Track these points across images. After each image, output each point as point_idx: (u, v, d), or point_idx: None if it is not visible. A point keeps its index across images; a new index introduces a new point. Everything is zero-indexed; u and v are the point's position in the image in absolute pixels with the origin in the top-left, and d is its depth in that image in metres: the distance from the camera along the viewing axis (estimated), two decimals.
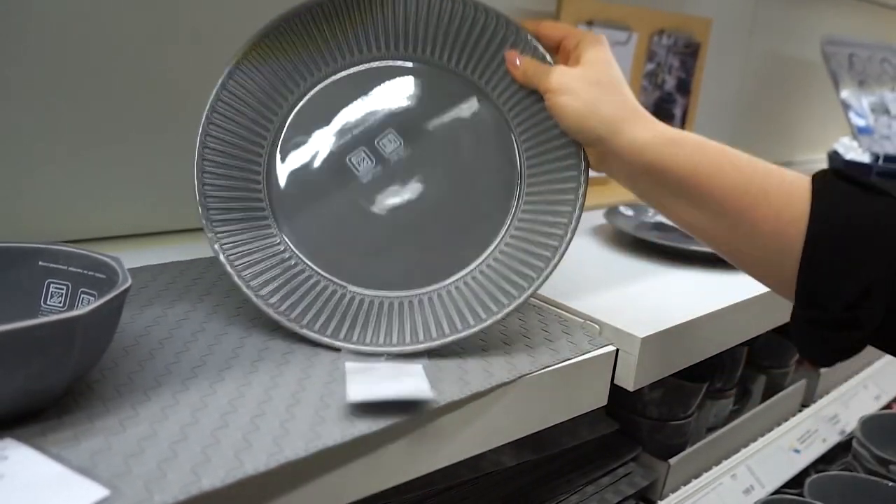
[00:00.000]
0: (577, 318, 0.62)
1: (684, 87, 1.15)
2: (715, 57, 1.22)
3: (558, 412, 0.56)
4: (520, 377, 0.50)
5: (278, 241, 0.54)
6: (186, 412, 0.42)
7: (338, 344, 0.51)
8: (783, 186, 0.46)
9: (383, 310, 0.53)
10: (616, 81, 0.51)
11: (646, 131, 0.49)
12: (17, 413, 0.39)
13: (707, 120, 1.30)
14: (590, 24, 0.96)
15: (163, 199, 0.72)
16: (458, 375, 0.49)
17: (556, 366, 0.53)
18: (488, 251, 0.54)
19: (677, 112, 1.16)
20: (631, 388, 0.59)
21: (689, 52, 1.13)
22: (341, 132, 0.55)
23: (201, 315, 0.56)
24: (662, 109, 1.13)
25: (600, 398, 0.59)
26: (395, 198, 0.55)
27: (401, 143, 0.55)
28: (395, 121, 0.55)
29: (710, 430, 0.86)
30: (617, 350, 0.59)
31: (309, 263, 0.54)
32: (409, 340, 0.51)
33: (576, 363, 0.54)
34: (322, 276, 0.54)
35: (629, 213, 0.94)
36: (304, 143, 0.55)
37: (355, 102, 0.55)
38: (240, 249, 0.53)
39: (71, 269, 0.47)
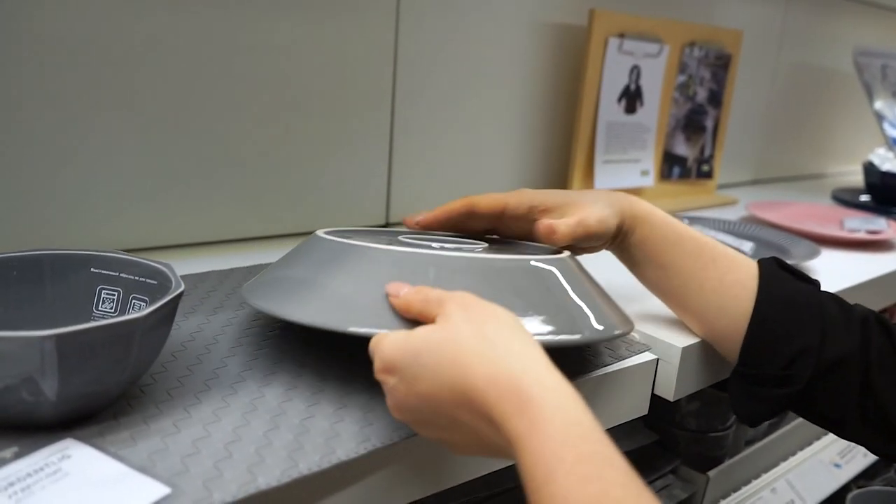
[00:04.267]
0: None
1: (716, 98, 1.15)
2: (745, 68, 1.22)
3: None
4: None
5: None
6: (237, 414, 0.42)
7: None
8: (727, 258, 0.57)
9: None
10: (557, 197, 0.58)
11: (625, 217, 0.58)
12: (76, 415, 0.39)
13: (738, 131, 1.29)
14: (621, 36, 0.97)
15: (201, 211, 0.74)
16: None
17: (595, 373, 0.53)
18: None
19: (708, 124, 1.15)
20: (671, 399, 0.59)
21: (721, 64, 1.13)
22: None
23: (243, 322, 0.56)
24: (693, 122, 1.13)
25: (640, 408, 0.58)
26: None
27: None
28: None
29: (749, 442, 0.85)
30: (658, 360, 0.58)
31: None
32: None
33: (615, 371, 0.54)
34: None
35: None
36: None
37: None
38: None
39: (122, 275, 0.49)
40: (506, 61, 0.94)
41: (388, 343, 0.39)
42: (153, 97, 0.68)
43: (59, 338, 0.34)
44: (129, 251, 0.68)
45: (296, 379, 0.48)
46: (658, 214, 0.59)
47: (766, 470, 0.84)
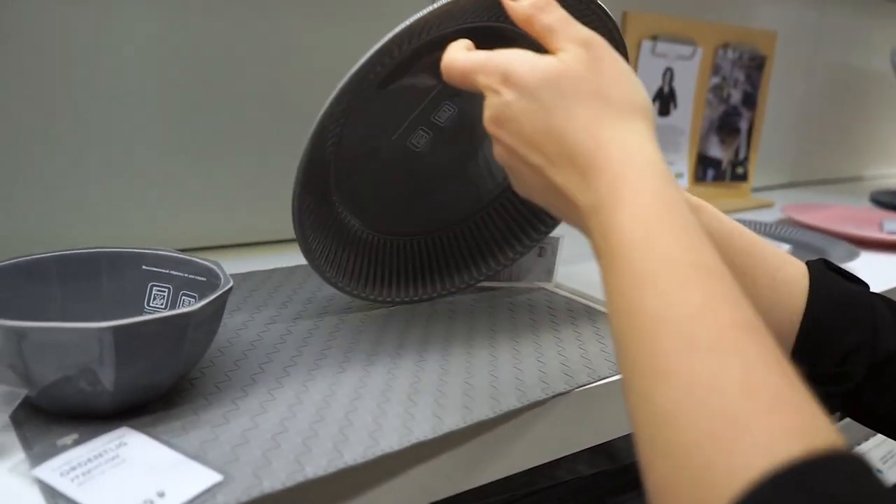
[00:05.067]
0: None
1: (750, 100, 1.14)
2: (780, 69, 1.21)
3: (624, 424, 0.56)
4: (578, 387, 0.50)
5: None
6: (283, 407, 0.44)
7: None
8: (777, 255, 0.56)
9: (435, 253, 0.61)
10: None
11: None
12: (131, 405, 0.41)
13: (773, 133, 1.28)
14: (654, 38, 0.97)
15: (245, 214, 0.76)
16: (528, 383, 0.49)
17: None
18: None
19: (743, 126, 1.15)
20: None
21: (755, 66, 1.12)
22: (396, 126, 0.58)
23: (287, 319, 0.58)
24: (728, 124, 1.12)
25: None
26: (445, 154, 0.60)
27: (455, 110, 0.59)
28: (449, 91, 0.56)
29: None
30: None
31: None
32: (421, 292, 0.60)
33: None
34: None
35: None
36: (360, 145, 0.57)
37: (405, 90, 0.56)
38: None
39: (172, 272, 0.50)
40: None
41: (518, 57, 0.38)
42: (201, 108, 0.70)
43: (116, 329, 0.35)
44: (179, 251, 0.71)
45: (339, 374, 0.49)
46: (709, 206, 0.59)
47: None
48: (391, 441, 0.40)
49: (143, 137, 0.69)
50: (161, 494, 0.33)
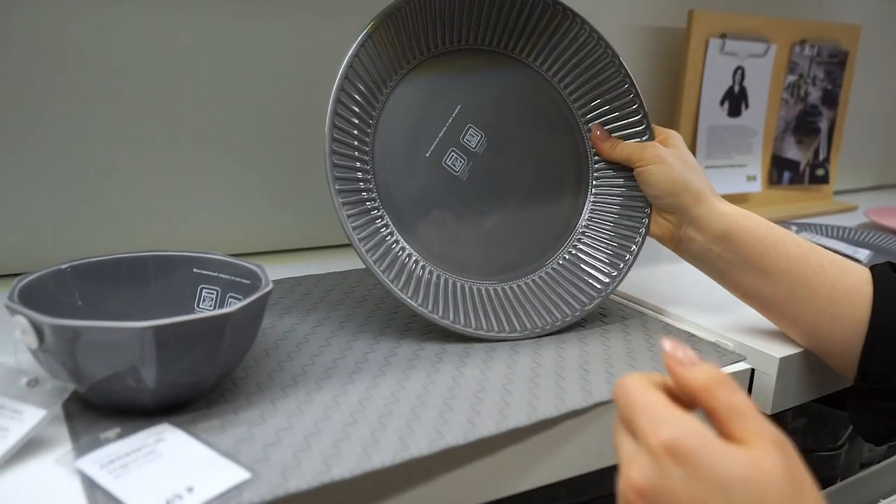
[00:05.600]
0: (708, 336, 0.59)
1: (831, 98, 1.08)
2: (864, 65, 1.14)
3: None
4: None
5: (401, 249, 0.56)
6: (320, 409, 0.44)
7: (456, 328, 0.54)
8: (836, 262, 0.53)
9: (476, 296, 0.57)
10: (697, 165, 0.59)
11: (724, 205, 0.57)
12: (173, 402, 0.42)
13: (856, 133, 1.20)
14: (723, 37, 0.93)
15: (296, 220, 0.78)
16: (582, 386, 0.48)
17: None
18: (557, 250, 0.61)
19: (822, 125, 1.08)
20: (769, 412, 0.56)
21: (836, 62, 1.06)
22: (428, 139, 0.58)
23: (334, 324, 0.59)
24: (806, 123, 1.06)
25: None
26: (491, 189, 0.60)
27: (483, 136, 0.59)
28: (472, 115, 0.59)
29: (866, 465, 0.79)
30: (753, 370, 0.56)
31: (429, 264, 0.57)
32: (496, 329, 0.56)
33: None
34: (444, 272, 0.57)
35: None
36: (398, 156, 0.57)
37: (433, 106, 0.58)
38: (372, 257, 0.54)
39: (221, 275, 0.52)
40: None
41: (690, 428, 0.29)
42: (244, 118, 0.72)
43: (156, 329, 0.37)
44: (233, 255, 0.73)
45: (378, 378, 0.49)
46: (754, 215, 0.56)
47: (885, 496, 0.77)
48: (421, 446, 0.40)
49: (198, 145, 0.71)
50: (190, 490, 0.34)
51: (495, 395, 0.47)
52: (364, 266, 0.53)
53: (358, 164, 0.54)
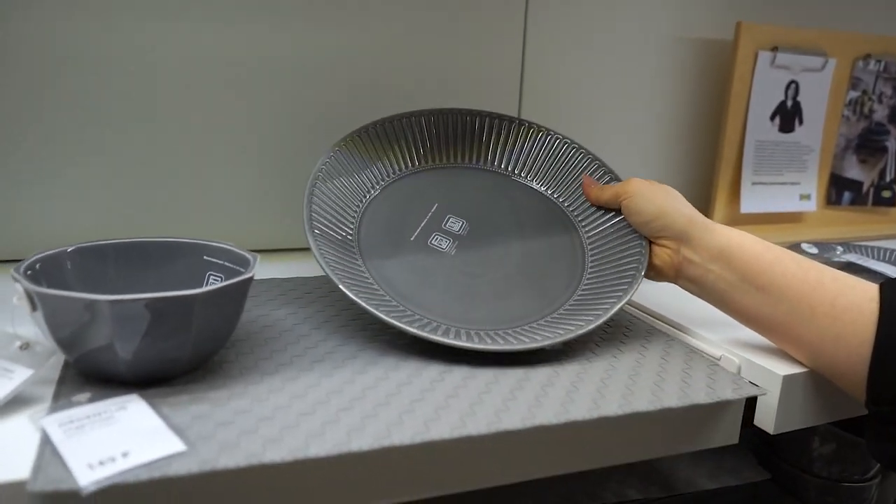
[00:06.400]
0: (713, 350, 0.57)
1: None
2: None
3: (674, 443, 0.52)
4: (633, 412, 0.48)
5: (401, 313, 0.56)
6: (286, 397, 0.46)
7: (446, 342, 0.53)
8: (838, 279, 0.51)
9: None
10: (681, 196, 0.59)
11: (718, 225, 0.56)
12: (151, 376, 0.45)
13: None
14: (774, 50, 0.89)
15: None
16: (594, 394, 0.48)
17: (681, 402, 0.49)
18: (563, 300, 0.60)
19: (890, 145, 1.01)
20: (771, 432, 0.54)
21: None
22: (411, 229, 0.62)
23: (343, 320, 0.60)
24: (870, 141, 1.00)
25: (729, 436, 0.54)
26: (481, 259, 0.62)
27: (464, 222, 0.64)
28: (451, 208, 0.65)
29: None
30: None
31: (411, 308, 0.56)
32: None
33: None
34: (453, 325, 0.56)
35: (813, 250, 0.84)
36: (385, 244, 0.61)
37: (409, 209, 0.64)
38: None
39: (225, 263, 0.55)
40: (643, 79, 0.90)
41: None
42: (264, 115, 0.76)
43: (113, 303, 0.40)
44: (263, 251, 0.77)
45: (357, 374, 0.50)
46: (749, 234, 0.55)
47: None
48: (364, 441, 0.41)
49: (216, 143, 0.75)
50: (125, 454, 0.36)
51: (464, 401, 0.47)
52: None
53: (347, 257, 0.58)
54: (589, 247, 0.64)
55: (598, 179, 0.67)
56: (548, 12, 0.82)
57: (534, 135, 0.70)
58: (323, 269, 0.54)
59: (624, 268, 0.60)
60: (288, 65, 0.74)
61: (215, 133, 0.74)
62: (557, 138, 0.69)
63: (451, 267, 0.61)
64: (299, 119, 0.76)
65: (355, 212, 0.62)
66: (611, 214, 0.64)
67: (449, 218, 0.64)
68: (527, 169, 0.69)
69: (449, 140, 0.68)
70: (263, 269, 0.72)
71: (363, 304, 0.52)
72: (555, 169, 0.69)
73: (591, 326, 0.55)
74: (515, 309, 0.58)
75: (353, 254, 0.59)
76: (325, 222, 0.59)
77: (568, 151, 0.69)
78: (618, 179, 0.67)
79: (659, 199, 0.59)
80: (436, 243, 0.62)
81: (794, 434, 0.70)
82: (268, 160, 0.77)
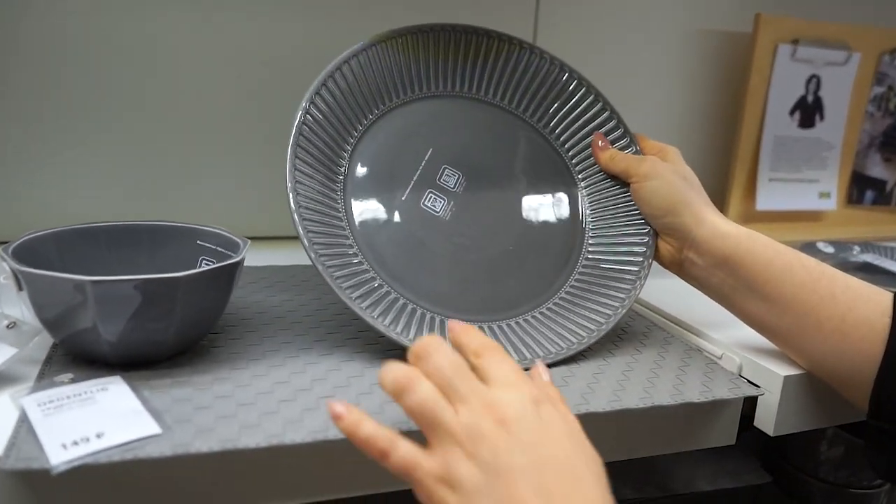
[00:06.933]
0: (714, 349, 0.56)
1: None
2: None
3: (668, 443, 0.51)
4: (623, 409, 0.47)
5: (387, 292, 0.52)
6: (269, 383, 0.46)
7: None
8: (851, 290, 0.48)
9: None
10: (697, 182, 0.56)
11: (727, 225, 0.53)
12: (135, 359, 0.45)
13: None
14: (795, 43, 0.86)
15: None
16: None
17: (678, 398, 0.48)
18: (560, 283, 0.57)
19: None
20: (771, 433, 0.53)
21: None
22: (403, 184, 0.55)
23: (338, 308, 0.60)
24: (895, 139, 0.96)
25: (727, 436, 0.53)
26: (477, 226, 0.56)
27: (460, 175, 0.57)
28: (446, 157, 0.57)
29: None
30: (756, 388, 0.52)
31: (420, 307, 0.53)
32: None
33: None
34: (439, 313, 0.53)
35: (829, 249, 0.81)
36: (371, 197, 0.54)
37: (403, 151, 0.56)
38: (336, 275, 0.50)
39: (218, 248, 0.55)
40: (659, 72, 0.88)
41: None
42: (275, 109, 0.75)
43: (94, 283, 0.40)
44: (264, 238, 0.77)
45: (344, 362, 0.50)
46: (761, 237, 0.52)
47: None
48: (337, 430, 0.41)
49: (215, 131, 0.75)
50: (99, 435, 0.36)
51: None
52: None
53: (332, 220, 0.52)
54: (590, 222, 0.59)
55: (612, 141, 0.60)
56: (559, 5, 0.81)
57: (551, 71, 0.60)
58: (310, 259, 0.49)
59: (626, 258, 0.57)
60: (287, 52, 0.74)
61: (218, 121, 0.74)
62: (574, 80, 0.61)
63: (444, 238, 0.55)
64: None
65: (343, 157, 0.54)
66: (618, 187, 0.59)
67: (444, 170, 0.57)
68: (535, 108, 0.61)
69: (449, 62, 0.59)
70: (263, 257, 0.72)
71: (350, 303, 0.49)
72: (566, 113, 0.61)
73: (587, 343, 0.53)
74: (509, 294, 0.55)
75: (342, 226, 0.52)
76: (310, 176, 0.52)
77: (584, 97, 0.61)
78: (636, 145, 0.60)
79: (672, 192, 0.54)
80: (429, 205, 0.55)
81: (802, 437, 0.68)
82: (269, 148, 0.77)
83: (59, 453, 0.35)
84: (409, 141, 0.57)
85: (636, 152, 0.59)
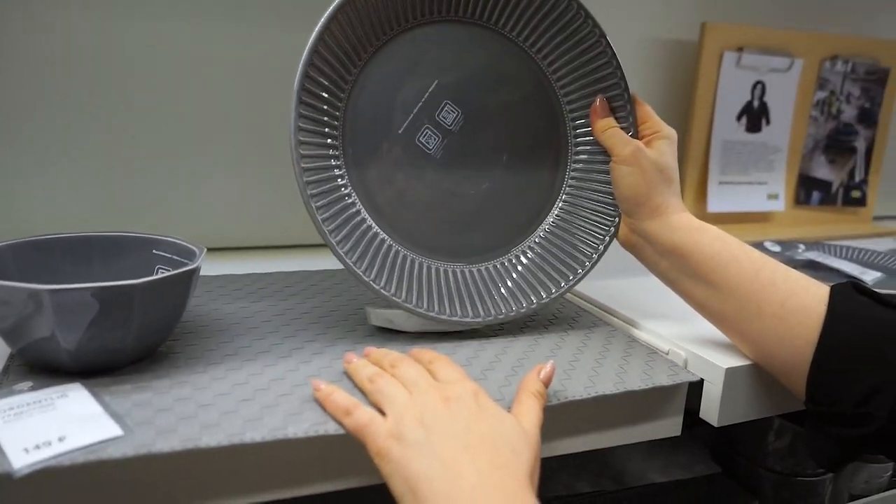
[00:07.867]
0: (661, 344, 0.58)
1: (868, 117, 1.01)
2: None
3: (615, 436, 0.53)
4: (569, 400, 0.48)
5: (367, 228, 0.55)
6: (228, 385, 0.47)
7: (395, 300, 0.54)
8: (789, 282, 0.51)
9: (441, 278, 0.57)
10: (675, 174, 0.57)
11: (681, 217, 0.55)
12: (94, 366, 0.46)
13: None
14: (740, 50, 0.90)
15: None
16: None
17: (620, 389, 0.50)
18: (538, 228, 0.60)
19: (859, 145, 1.02)
20: (715, 424, 0.55)
21: (874, 79, 1.00)
22: (402, 115, 0.56)
23: (294, 314, 0.61)
24: (838, 142, 1.01)
25: (671, 428, 0.55)
26: (465, 169, 0.58)
27: (459, 113, 0.57)
28: (450, 91, 0.56)
29: (856, 497, 0.74)
30: (702, 380, 0.55)
31: (395, 244, 0.56)
32: (460, 314, 0.56)
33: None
34: (411, 253, 0.56)
35: (776, 248, 0.85)
36: (370, 131, 0.55)
37: (409, 79, 0.56)
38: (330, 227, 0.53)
39: (174, 256, 0.55)
40: None
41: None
42: (241, 122, 0.76)
43: (52, 292, 0.41)
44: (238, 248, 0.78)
45: (303, 363, 0.51)
46: (712, 229, 0.55)
47: None
48: (300, 428, 0.42)
49: (204, 142, 0.76)
50: (61, 439, 0.37)
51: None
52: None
53: (328, 141, 0.53)
54: (567, 187, 0.61)
55: (614, 107, 0.59)
56: None
57: (572, 17, 0.57)
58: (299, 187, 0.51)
59: (590, 230, 0.60)
60: (255, 64, 0.75)
61: (197, 132, 0.75)
62: (594, 31, 0.57)
63: (432, 178, 0.57)
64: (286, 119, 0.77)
65: (348, 80, 0.53)
66: (604, 156, 0.59)
67: (445, 105, 0.56)
68: (548, 51, 0.59)
69: None
70: (221, 266, 0.73)
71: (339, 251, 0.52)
72: (582, 70, 0.59)
73: (533, 307, 0.58)
74: (476, 242, 0.59)
75: (336, 144, 0.53)
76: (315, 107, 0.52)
77: (601, 55, 0.58)
78: (633, 118, 0.58)
79: (639, 184, 0.55)
80: (424, 141, 0.56)
81: (750, 429, 0.71)
82: (250, 160, 0.78)
83: (22, 457, 0.36)
84: (416, 69, 0.55)
85: (631, 124, 0.58)
